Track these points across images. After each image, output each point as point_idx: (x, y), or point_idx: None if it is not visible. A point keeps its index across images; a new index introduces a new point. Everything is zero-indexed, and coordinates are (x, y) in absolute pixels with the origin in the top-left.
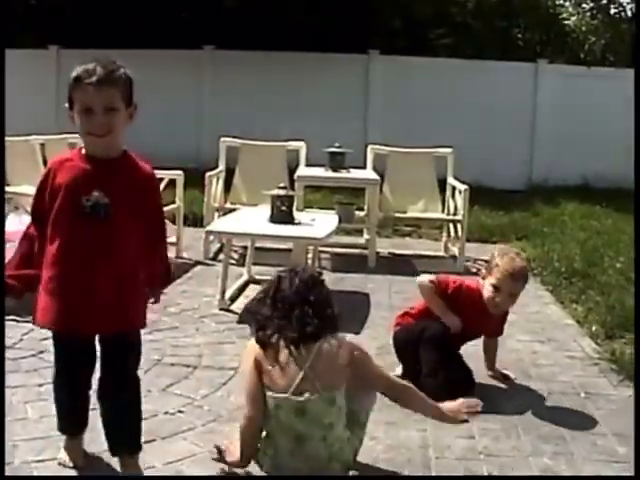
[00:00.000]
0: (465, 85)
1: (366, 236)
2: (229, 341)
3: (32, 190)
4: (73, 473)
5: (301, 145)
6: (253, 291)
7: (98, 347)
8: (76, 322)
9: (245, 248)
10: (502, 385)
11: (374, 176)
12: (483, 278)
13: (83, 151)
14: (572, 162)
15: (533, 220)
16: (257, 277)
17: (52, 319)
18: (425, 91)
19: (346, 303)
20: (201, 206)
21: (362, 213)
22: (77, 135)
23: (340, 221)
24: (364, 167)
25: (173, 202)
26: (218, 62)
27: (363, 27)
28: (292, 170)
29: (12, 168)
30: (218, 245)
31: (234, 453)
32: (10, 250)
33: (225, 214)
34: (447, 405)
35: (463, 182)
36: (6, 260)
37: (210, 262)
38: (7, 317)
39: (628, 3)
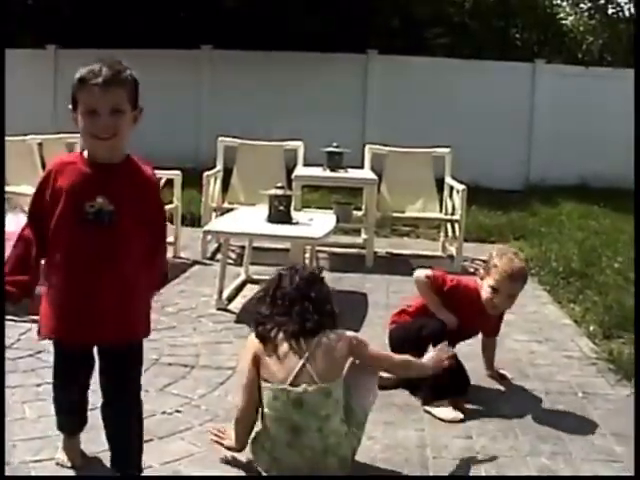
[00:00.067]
0: (463, 85)
1: (364, 236)
2: (227, 341)
3: (30, 190)
4: (71, 473)
5: (299, 145)
6: (251, 291)
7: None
8: (81, 331)
9: (243, 248)
10: (499, 385)
11: (372, 176)
12: (481, 279)
13: (85, 154)
14: (570, 162)
15: (531, 220)
16: (255, 277)
17: (57, 328)
18: (423, 91)
19: (344, 303)
20: (199, 206)
21: (360, 213)
22: (75, 135)
23: (338, 221)
24: (362, 167)
25: (171, 202)
26: (216, 62)
27: (361, 27)
28: (290, 170)
29: (9, 168)
30: (216, 245)
31: (231, 436)
32: (7, 249)
33: (223, 214)
34: (427, 357)
35: (461, 182)
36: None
37: (208, 262)
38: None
39: (626, 3)
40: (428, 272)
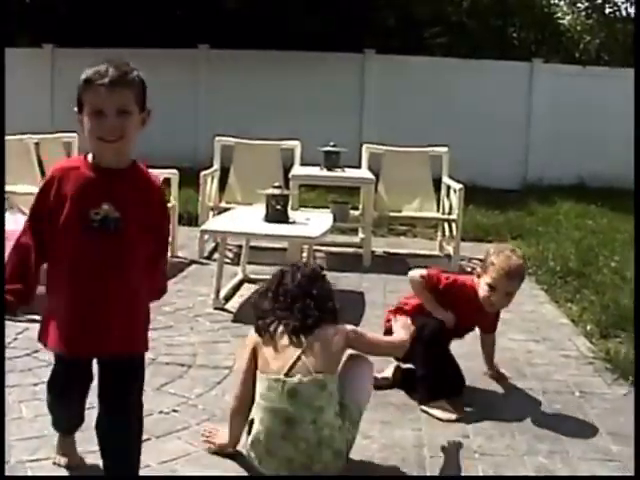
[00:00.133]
0: (460, 84)
1: (361, 235)
2: (224, 340)
3: (27, 189)
4: (69, 473)
5: (296, 144)
6: (248, 290)
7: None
8: (88, 342)
9: (240, 247)
10: (496, 384)
11: (369, 175)
12: (478, 276)
13: (90, 158)
14: (567, 161)
15: (528, 219)
16: (252, 276)
17: (64, 341)
18: (420, 90)
19: (341, 302)
20: (196, 205)
21: (357, 212)
22: (72, 135)
23: (335, 220)
24: (359, 166)
25: (168, 201)
26: (213, 61)
27: (359, 26)
28: (287, 169)
29: (7, 167)
30: (213, 244)
31: (223, 436)
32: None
33: (220, 213)
34: (398, 333)
35: (458, 181)
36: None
37: (205, 261)
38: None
39: (623, 3)
40: (422, 272)
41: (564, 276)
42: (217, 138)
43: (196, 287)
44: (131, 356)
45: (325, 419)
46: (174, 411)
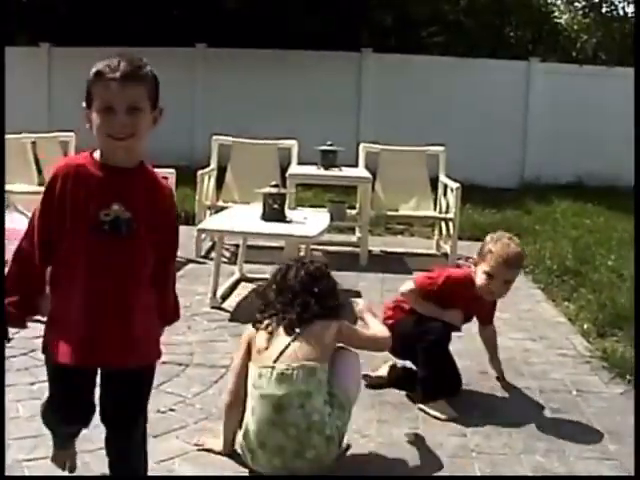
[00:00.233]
0: (457, 83)
1: (358, 234)
2: (221, 339)
3: (23, 188)
4: (67, 472)
5: (293, 143)
6: (245, 289)
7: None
8: (105, 354)
9: (237, 246)
10: (493, 383)
11: (366, 174)
12: (475, 265)
13: (96, 156)
14: (564, 160)
15: (525, 218)
16: (249, 275)
17: (77, 353)
18: (417, 89)
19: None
20: (193, 204)
21: (354, 211)
22: (69, 134)
23: (332, 219)
24: (356, 165)
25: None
26: (211, 60)
27: (356, 25)
28: (284, 168)
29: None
30: (210, 243)
31: (215, 444)
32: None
33: (217, 212)
34: (371, 320)
35: (455, 180)
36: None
37: (202, 260)
38: None
39: (620, 2)
40: (411, 286)
41: (561, 275)
42: (214, 137)
43: (193, 286)
44: (142, 366)
45: (314, 404)
46: (171, 410)
